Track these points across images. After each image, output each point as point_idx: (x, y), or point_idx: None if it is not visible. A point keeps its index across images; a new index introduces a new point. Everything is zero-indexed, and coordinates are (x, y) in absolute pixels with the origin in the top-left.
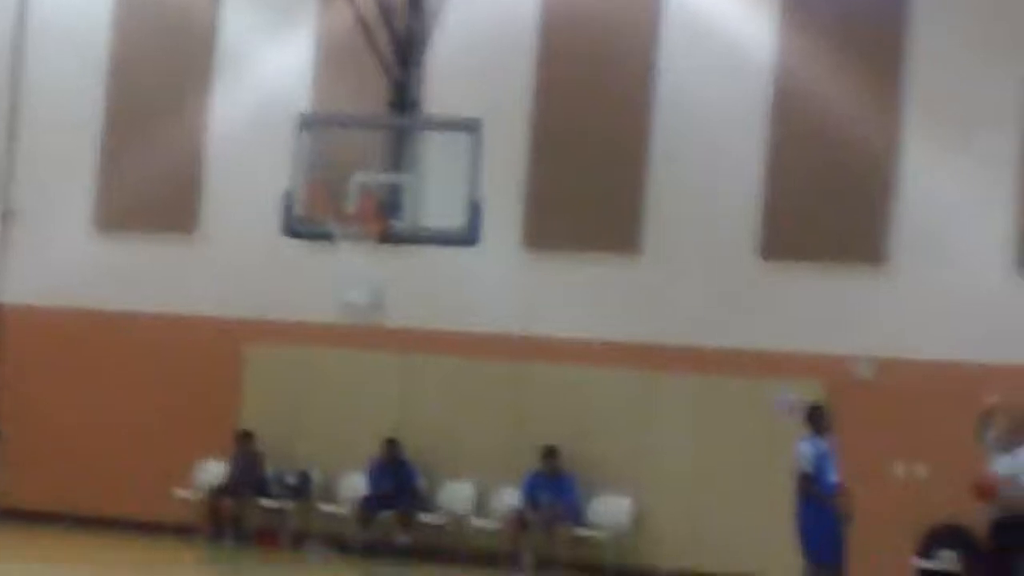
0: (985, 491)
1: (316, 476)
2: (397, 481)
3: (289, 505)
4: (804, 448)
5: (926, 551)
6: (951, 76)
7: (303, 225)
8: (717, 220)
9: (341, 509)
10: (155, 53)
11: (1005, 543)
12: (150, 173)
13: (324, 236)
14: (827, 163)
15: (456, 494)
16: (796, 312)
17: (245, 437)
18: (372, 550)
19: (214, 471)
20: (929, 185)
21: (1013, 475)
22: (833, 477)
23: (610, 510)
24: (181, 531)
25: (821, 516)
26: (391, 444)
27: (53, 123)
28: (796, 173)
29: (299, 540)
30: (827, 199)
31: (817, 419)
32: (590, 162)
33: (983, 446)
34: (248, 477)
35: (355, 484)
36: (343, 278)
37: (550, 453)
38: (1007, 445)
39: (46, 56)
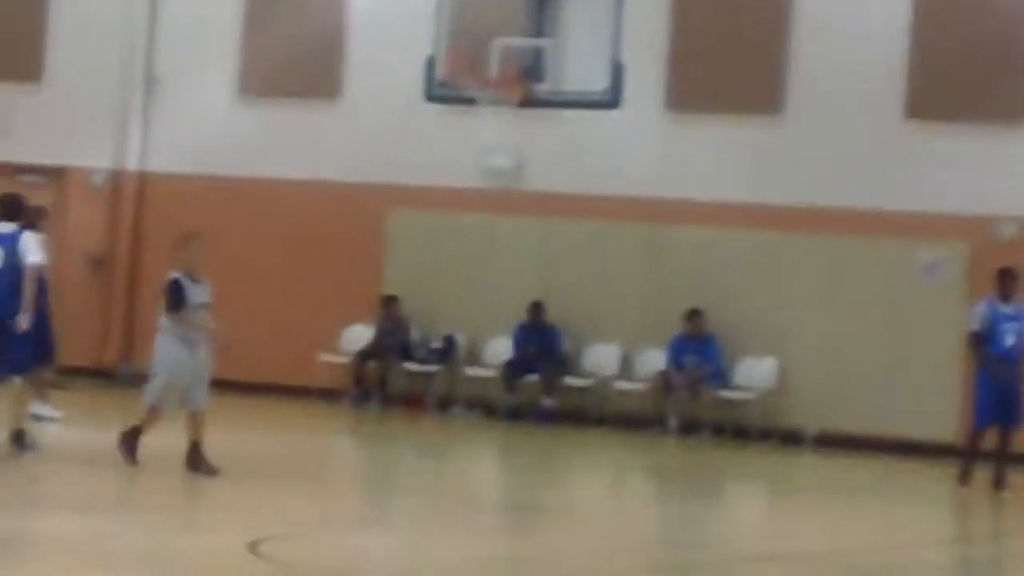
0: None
1: (461, 340)
2: (542, 345)
3: (434, 369)
4: (978, 308)
5: None
6: None
7: (445, 90)
8: (862, 79)
9: (486, 373)
10: None
11: None
12: (293, 39)
13: (466, 101)
14: (974, 22)
15: (601, 357)
16: (941, 173)
17: (390, 301)
18: (517, 413)
19: (359, 335)
20: None
21: None
22: (1010, 340)
23: (755, 371)
24: (327, 395)
25: (987, 378)
26: (536, 307)
27: None
28: (943, 32)
29: (445, 404)
30: (974, 58)
31: (1001, 281)
32: (732, 21)
33: None
34: (393, 341)
35: (500, 348)
36: (485, 143)
37: (694, 315)
38: None
39: None
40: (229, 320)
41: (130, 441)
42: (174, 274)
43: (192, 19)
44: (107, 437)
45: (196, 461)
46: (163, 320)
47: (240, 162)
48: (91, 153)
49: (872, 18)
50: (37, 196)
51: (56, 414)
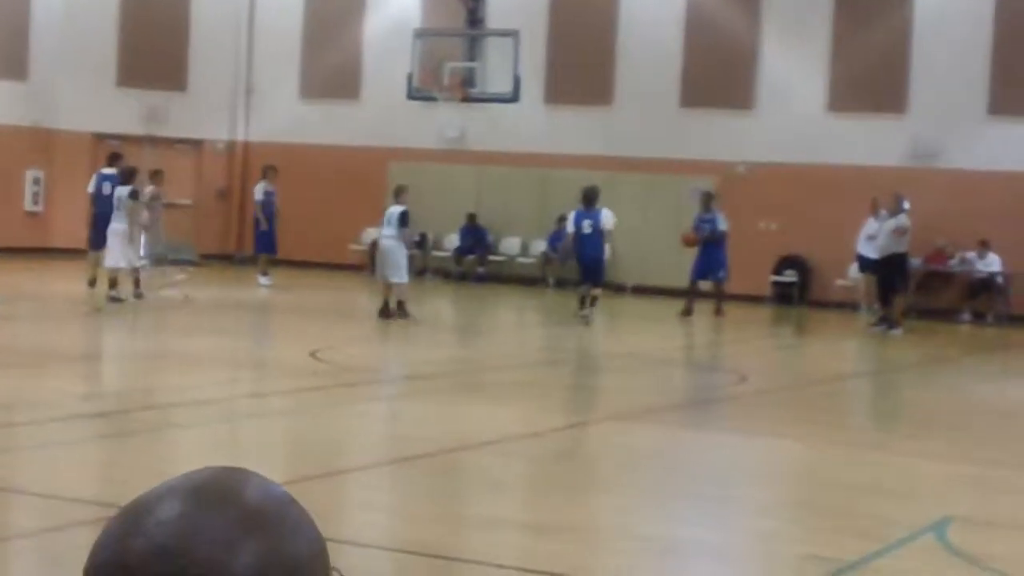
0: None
1: (430, 235)
2: (476, 237)
3: (415, 252)
4: (696, 216)
5: (778, 270)
6: None
7: (419, 92)
8: (655, 82)
9: (445, 254)
10: None
11: (883, 270)
12: (332, 62)
13: (431, 98)
14: (705, 47)
15: (510, 244)
16: (702, 137)
17: None
18: (463, 277)
19: (372, 233)
20: (781, 56)
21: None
22: (704, 232)
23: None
24: (353, 268)
25: (700, 252)
26: (472, 216)
27: (272, 30)
28: (701, 55)
29: (421, 272)
30: (720, 66)
31: (705, 200)
32: (581, 56)
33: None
34: None
35: (453, 239)
36: (442, 122)
37: (563, 219)
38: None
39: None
40: (300, 224)
41: (393, 312)
42: (403, 207)
43: (274, 48)
44: (230, 295)
45: (403, 312)
46: (398, 233)
47: (304, 136)
48: (215, 131)
49: (661, 45)
50: (185, 158)
51: (270, 282)
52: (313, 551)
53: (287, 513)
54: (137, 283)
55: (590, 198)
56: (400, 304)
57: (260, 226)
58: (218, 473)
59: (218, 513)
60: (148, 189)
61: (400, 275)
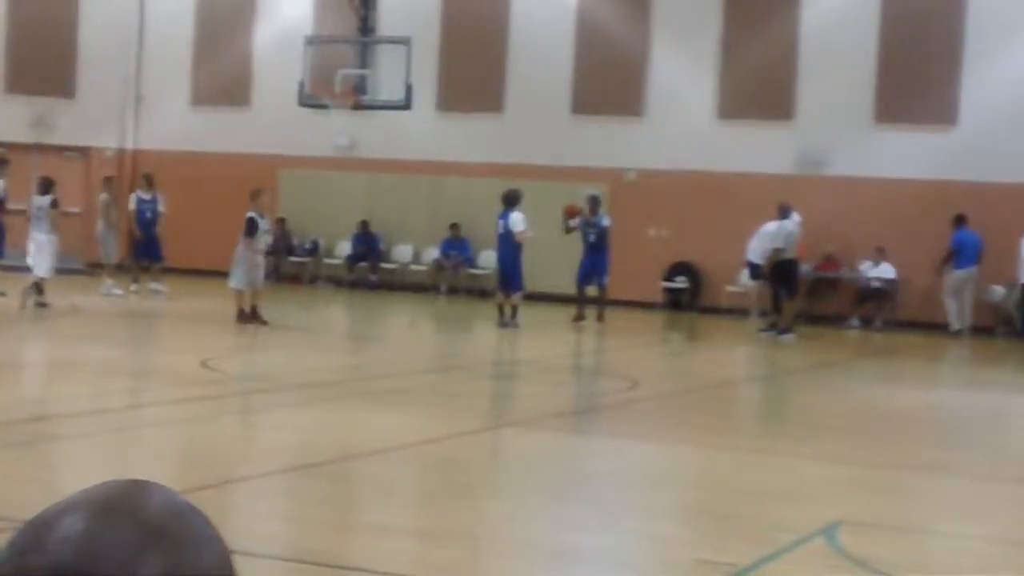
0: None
1: (322, 243)
2: (368, 245)
3: (307, 260)
4: (581, 220)
5: (669, 277)
6: None
7: (310, 100)
8: (546, 90)
9: (337, 261)
10: None
11: (775, 276)
12: (223, 70)
13: (322, 106)
14: (596, 55)
15: (402, 252)
16: (593, 144)
17: (281, 221)
18: (355, 285)
19: (265, 240)
20: (671, 64)
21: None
22: (592, 239)
23: (489, 259)
24: None
25: (592, 256)
26: (364, 224)
27: (162, 37)
28: (591, 63)
29: (312, 280)
30: (610, 74)
31: (593, 204)
32: (473, 64)
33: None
34: (283, 243)
35: (345, 247)
36: (334, 129)
37: (454, 226)
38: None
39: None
40: (201, 235)
41: (243, 316)
42: (251, 213)
43: (164, 55)
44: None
45: (256, 316)
46: (242, 239)
47: (195, 143)
48: (104, 139)
49: (552, 53)
50: (73, 166)
51: (165, 289)
52: (219, 563)
53: (191, 525)
54: (31, 292)
55: (506, 200)
56: (253, 309)
57: (134, 235)
58: (120, 486)
59: (120, 528)
60: (102, 196)
61: (235, 280)
